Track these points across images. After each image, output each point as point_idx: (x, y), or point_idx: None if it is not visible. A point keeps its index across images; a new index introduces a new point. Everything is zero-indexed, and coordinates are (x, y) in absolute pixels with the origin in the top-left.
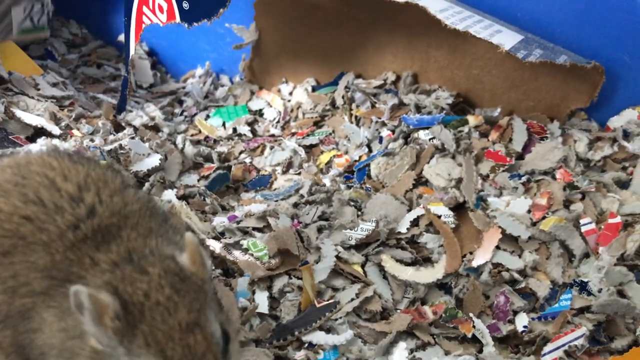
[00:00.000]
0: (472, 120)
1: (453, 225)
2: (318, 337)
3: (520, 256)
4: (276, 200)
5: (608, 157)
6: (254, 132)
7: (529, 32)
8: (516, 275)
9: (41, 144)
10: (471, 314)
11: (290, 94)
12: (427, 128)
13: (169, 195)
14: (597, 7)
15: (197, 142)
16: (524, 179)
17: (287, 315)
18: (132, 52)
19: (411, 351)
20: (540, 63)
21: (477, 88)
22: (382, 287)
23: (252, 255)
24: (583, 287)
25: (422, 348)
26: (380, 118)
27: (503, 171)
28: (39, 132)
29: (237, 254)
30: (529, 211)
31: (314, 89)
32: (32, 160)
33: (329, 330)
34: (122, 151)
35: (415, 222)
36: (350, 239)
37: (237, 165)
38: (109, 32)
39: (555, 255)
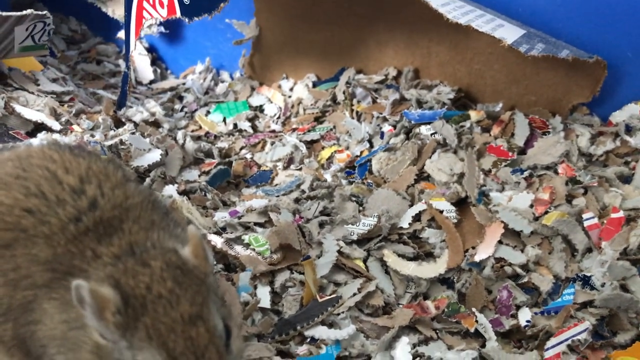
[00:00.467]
0: (473, 115)
1: (455, 220)
2: (320, 331)
3: (522, 251)
4: (277, 196)
5: (610, 152)
6: (254, 127)
7: (530, 26)
8: (519, 270)
9: (41, 138)
10: (474, 309)
11: (291, 89)
12: (429, 123)
13: (170, 190)
14: (599, 1)
15: (197, 138)
16: (526, 173)
17: (289, 310)
18: (132, 47)
19: (414, 346)
20: (543, 57)
21: (478, 83)
22: (384, 282)
23: (253, 250)
24: (586, 281)
25: (424, 343)
26: (381, 113)
27: (505, 166)
28: (39, 128)
29: (238, 249)
30: (531, 206)
31: (314, 85)
32: (33, 153)
33: (331, 325)
34: (122, 146)
35: (417, 217)
36: (352, 234)
37: (238, 160)
38: (108, 29)
39: (558, 250)
